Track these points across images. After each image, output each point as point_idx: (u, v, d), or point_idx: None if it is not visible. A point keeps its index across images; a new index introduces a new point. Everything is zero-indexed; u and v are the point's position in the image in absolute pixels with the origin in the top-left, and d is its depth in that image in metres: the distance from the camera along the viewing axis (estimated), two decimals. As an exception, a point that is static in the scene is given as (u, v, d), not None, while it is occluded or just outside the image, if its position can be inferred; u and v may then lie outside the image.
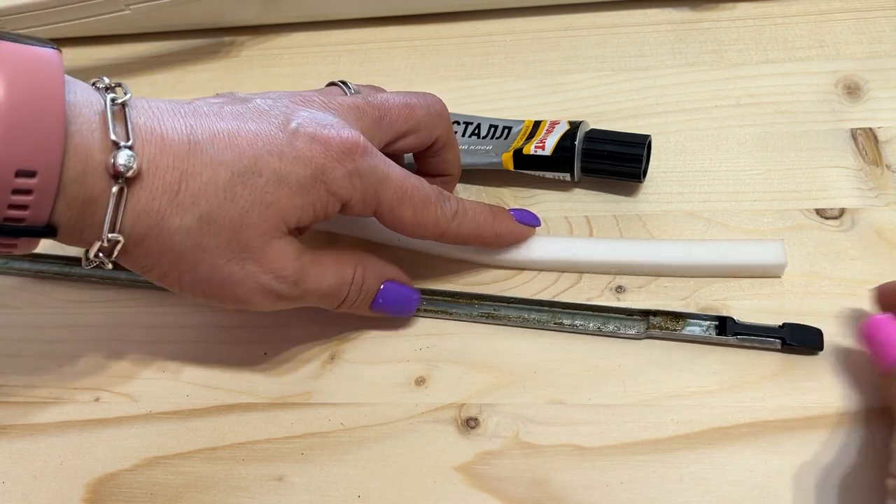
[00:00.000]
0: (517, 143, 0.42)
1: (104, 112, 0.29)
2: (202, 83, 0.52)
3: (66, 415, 0.39)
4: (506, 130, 0.43)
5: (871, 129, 0.42)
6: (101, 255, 0.31)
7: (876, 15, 0.47)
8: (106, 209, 0.29)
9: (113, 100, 0.30)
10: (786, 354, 0.35)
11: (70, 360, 0.41)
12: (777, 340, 0.35)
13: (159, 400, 0.39)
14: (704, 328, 0.36)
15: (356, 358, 0.39)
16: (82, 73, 0.53)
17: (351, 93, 0.37)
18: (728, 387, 0.35)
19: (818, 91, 0.44)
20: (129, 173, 0.29)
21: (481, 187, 0.44)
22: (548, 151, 0.41)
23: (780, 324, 0.36)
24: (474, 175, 0.44)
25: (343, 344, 0.39)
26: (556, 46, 0.49)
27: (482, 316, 0.39)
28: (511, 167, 0.42)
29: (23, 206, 0.27)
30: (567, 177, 0.42)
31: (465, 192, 0.44)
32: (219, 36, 0.55)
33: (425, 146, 0.38)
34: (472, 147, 0.43)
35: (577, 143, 0.41)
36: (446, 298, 0.40)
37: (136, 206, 0.30)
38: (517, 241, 0.39)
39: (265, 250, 0.32)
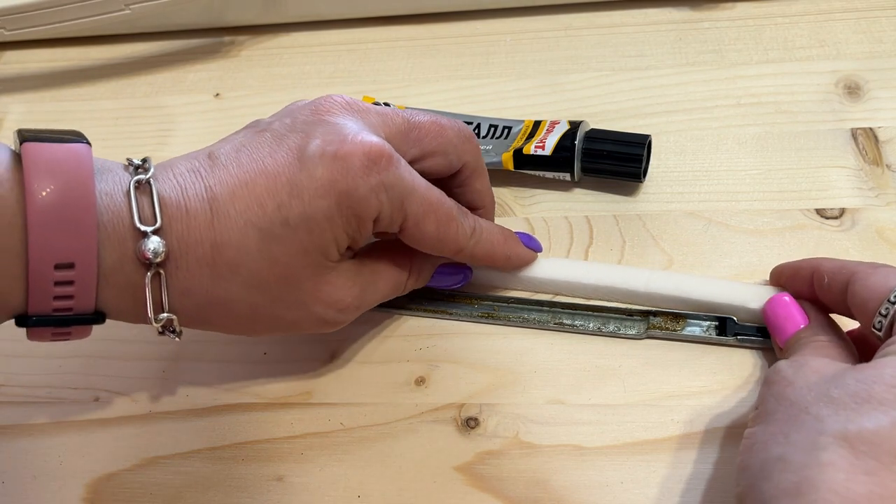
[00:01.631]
0: (517, 143, 0.42)
1: (129, 198, 0.30)
2: (202, 83, 0.52)
3: (66, 415, 0.39)
4: (506, 130, 0.43)
5: (871, 128, 0.42)
6: (165, 331, 0.32)
7: (876, 15, 0.47)
8: (148, 293, 0.30)
9: (138, 181, 0.30)
10: (786, 354, 0.35)
11: (70, 360, 0.41)
12: (777, 340, 0.35)
13: (159, 400, 0.39)
14: (704, 328, 0.36)
15: (356, 358, 0.39)
16: (82, 73, 0.54)
17: None
18: (728, 387, 0.35)
19: (818, 91, 0.44)
20: (159, 259, 0.29)
21: (481, 187, 0.44)
22: (548, 151, 0.41)
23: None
24: (474, 175, 0.44)
25: (343, 344, 0.39)
26: (556, 46, 0.49)
27: (482, 316, 0.39)
28: (511, 167, 0.42)
29: (67, 297, 0.29)
30: (567, 176, 0.42)
31: (465, 191, 0.44)
32: (219, 36, 0.55)
33: (453, 170, 0.36)
34: (472, 147, 0.43)
35: (577, 142, 0.41)
36: (446, 298, 0.40)
37: (179, 286, 0.30)
38: (523, 264, 0.38)
39: (319, 289, 0.32)
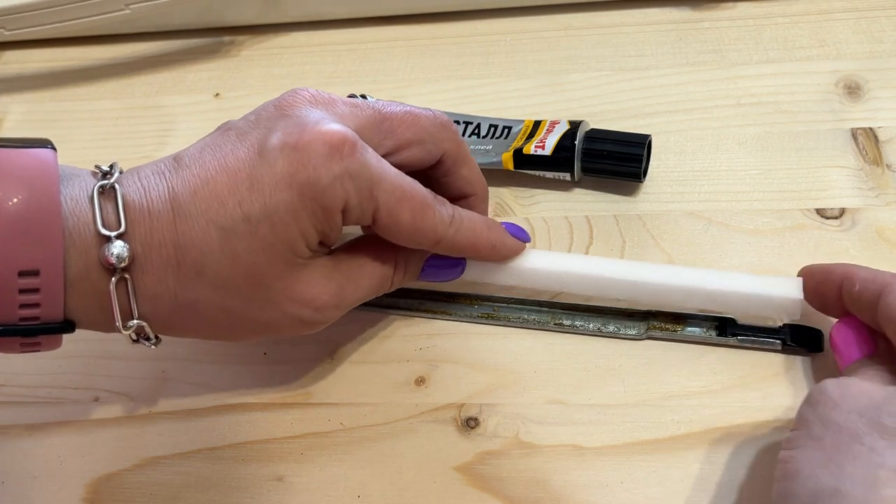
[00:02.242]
0: (517, 143, 0.42)
1: (93, 203, 0.29)
2: (202, 83, 0.52)
3: (66, 415, 0.39)
4: (506, 130, 0.43)
5: (871, 128, 0.42)
6: (139, 339, 0.31)
7: (876, 15, 0.47)
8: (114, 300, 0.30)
9: (102, 186, 0.29)
10: (786, 355, 0.35)
11: (70, 360, 0.41)
12: (777, 341, 0.35)
13: (159, 400, 0.39)
14: (704, 329, 0.36)
15: (356, 358, 0.39)
16: (82, 73, 0.54)
17: None
18: (728, 387, 0.35)
19: (818, 91, 0.44)
20: (123, 263, 0.29)
21: (481, 187, 0.44)
22: (548, 151, 0.41)
23: (781, 324, 0.36)
24: (474, 175, 0.44)
25: (343, 344, 0.39)
26: (556, 46, 0.49)
27: (482, 316, 0.39)
28: (511, 167, 0.42)
29: (33, 305, 0.28)
30: (567, 176, 0.42)
31: (465, 191, 0.44)
32: (219, 36, 0.55)
33: (433, 160, 0.35)
34: (472, 147, 0.43)
35: (577, 142, 0.41)
36: (446, 298, 0.40)
37: (146, 291, 0.30)
38: (511, 254, 0.36)
39: (292, 287, 0.31)
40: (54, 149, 0.29)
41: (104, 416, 0.39)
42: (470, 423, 0.36)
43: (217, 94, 0.51)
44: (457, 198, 0.36)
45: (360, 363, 0.38)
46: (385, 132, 0.33)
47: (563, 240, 0.41)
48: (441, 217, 0.33)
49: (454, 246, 0.34)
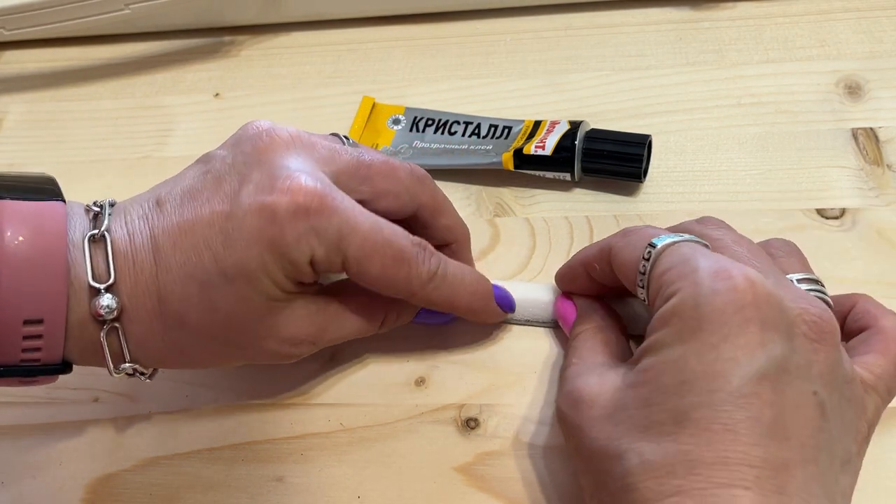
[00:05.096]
0: (517, 143, 0.42)
1: (84, 253, 0.30)
2: (202, 83, 0.52)
3: (65, 415, 0.39)
4: (506, 130, 0.43)
5: (871, 128, 0.42)
6: (135, 373, 0.32)
7: (876, 14, 0.47)
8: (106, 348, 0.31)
9: (93, 236, 0.30)
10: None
11: (70, 361, 0.41)
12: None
13: (159, 400, 0.39)
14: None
15: (356, 358, 0.39)
16: (82, 73, 0.54)
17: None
18: (728, 387, 0.35)
19: (819, 91, 0.44)
20: (112, 315, 0.30)
21: (481, 187, 0.44)
22: (548, 151, 0.41)
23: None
24: (475, 175, 0.44)
25: (343, 344, 0.39)
26: (556, 46, 0.49)
27: (482, 316, 0.39)
28: (511, 167, 0.42)
29: (35, 349, 0.29)
30: (567, 176, 0.42)
31: (465, 191, 0.44)
32: (219, 36, 0.55)
33: (408, 213, 0.34)
34: (472, 147, 0.43)
35: (577, 142, 0.41)
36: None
37: (135, 339, 0.31)
38: (488, 321, 0.37)
39: (272, 326, 0.32)
40: (63, 200, 0.30)
41: (104, 416, 0.39)
42: (470, 424, 0.36)
43: (217, 94, 0.51)
44: (438, 246, 0.36)
45: (360, 363, 0.38)
46: (362, 178, 0.33)
47: (563, 240, 0.41)
48: (418, 272, 0.32)
49: (429, 301, 0.33)
